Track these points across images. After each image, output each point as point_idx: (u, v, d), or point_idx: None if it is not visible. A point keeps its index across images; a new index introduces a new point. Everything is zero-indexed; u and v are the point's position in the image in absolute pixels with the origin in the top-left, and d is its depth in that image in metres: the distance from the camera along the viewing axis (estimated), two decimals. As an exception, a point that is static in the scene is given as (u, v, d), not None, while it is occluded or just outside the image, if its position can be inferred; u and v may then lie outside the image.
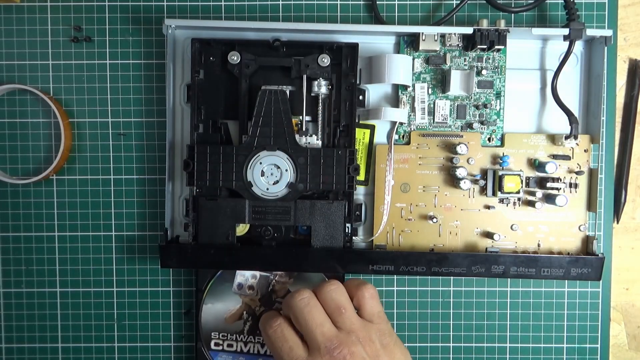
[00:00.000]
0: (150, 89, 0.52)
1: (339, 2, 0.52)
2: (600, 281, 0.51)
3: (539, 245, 0.51)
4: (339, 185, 0.48)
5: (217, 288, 0.51)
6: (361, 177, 0.51)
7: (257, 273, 0.51)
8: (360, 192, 0.52)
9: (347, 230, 0.49)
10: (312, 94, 0.49)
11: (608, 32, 0.48)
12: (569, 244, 0.51)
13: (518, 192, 0.49)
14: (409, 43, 0.50)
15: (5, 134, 0.52)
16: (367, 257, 0.49)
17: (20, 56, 0.52)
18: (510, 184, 0.49)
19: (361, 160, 0.51)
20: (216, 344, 0.51)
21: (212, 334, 0.51)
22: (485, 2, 0.51)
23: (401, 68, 0.48)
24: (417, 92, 0.50)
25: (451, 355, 0.53)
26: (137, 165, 0.53)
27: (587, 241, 0.50)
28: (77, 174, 0.53)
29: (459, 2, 0.51)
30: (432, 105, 0.51)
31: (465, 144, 0.49)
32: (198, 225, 0.49)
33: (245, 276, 0.51)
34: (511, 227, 0.51)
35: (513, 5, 0.51)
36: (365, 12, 0.52)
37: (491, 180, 0.50)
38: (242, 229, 0.50)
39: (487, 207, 0.51)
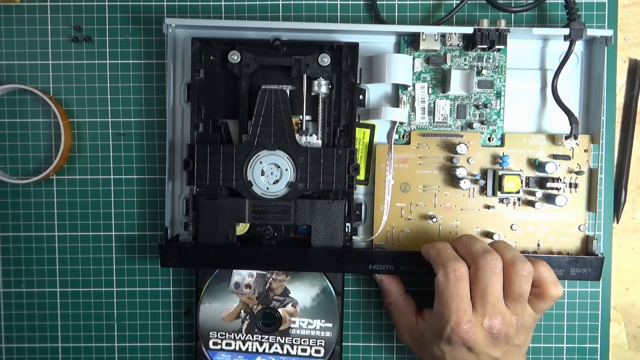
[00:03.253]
0: (150, 89, 0.52)
1: (339, 2, 0.52)
2: (600, 281, 0.51)
3: (538, 245, 0.51)
4: (339, 185, 0.48)
5: (214, 287, 0.51)
6: (361, 176, 0.51)
7: (254, 271, 0.51)
8: (360, 192, 0.52)
9: (347, 230, 0.49)
10: (312, 94, 0.49)
11: (608, 32, 0.48)
12: (568, 244, 0.51)
13: (518, 192, 0.49)
14: (409, 43, 0.50)
15: (5, 134, 0.52)
16: (367, 257, 0.49)
17: (20, 56, 0.52)
18: (510, 183, 0.49)
19: (361, 159, 0.51)
20: (214, 343, 0.51)
21: (211, 333, 0.51)
22: (485, 2, 0.51)
23: (401, 68, 0.48)
24: (417, 91, 0.50)
25: (451, 355, 0.53)
26: (137, 165, 0.53)
27: (587, 241, 0.50)
28: (77, 174, 0.53)
29: (459, 2, 0.51)
30: (432, 105, 0.51)
31: (465, 144, 0.49)
32: (198, 225, 0.49)
33: (242, 275, 0.51)
34: (511, 227, 0.51)
35: (513, 5, 0.51)
36: (365, 12, 0.52)
37: (491, 180, 0.50)
38: (242, 229, 0.50)
39: (487, 207, 0.51)
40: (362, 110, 0.51)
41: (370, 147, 0.51)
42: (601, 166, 0.51)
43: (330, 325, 0.50)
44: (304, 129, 0.49)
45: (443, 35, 0.49)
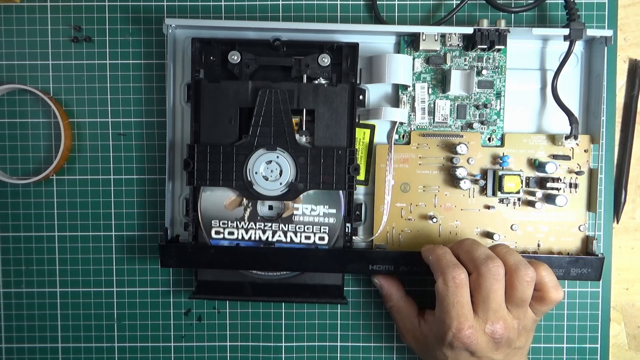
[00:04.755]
0: (150, 89, 0.52)
1: (339, 2, 0.52)
2: (600, 281, 0.51)
3: (538, 245, 0.51)
4: (339, 185, 0.48)
5: None
6: (361, 177, 0.51)
7: None
8: (360, 192, 0.52)
9: (347, 230, 0.49)
10: (312, 94, 0.49)
11: (608, 32, 0.48)
12: (568, 244, 0.51)
13: (518, 192, 0.49)
14: (409, 43, 0.50)
15: (5, 134, 0.52)
16: (367, 257, 0.49)
17: (20, 56, 0.52)
18: (510, 184, 0.49)
19: (361, 160, 0.51)
20: (217, 232, 0.49)
21: (212, 222, 0.49)
22: (485, 2, 0.51)
23: (401, 68, 0.48)
24: (417, 92, 0.50)
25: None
26: (137, 165, 0.53)
27: (587, 241, 0.50)
28: (77, 174, 0.53)
29: (459, 2, 0.51)
30: (432, 105, 0.51)
31: (465, 144, 0.49)
32: (200, 111, 0.48)
33: None
34: (511, 227, 0.51)
35: (513, 5, 0.51)
36: (365, 12, 0.52)
37: (491, 180, 0.50)
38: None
39: (487, 207, 0.51)
40: (362, 110, 0.51)
41: (370, 147, 0.51)
42: (601, 166, 0.51)
43: (333, 211, 0.49)
44: (304, 129, 0.49)
45: (443, 36, 0.49)
